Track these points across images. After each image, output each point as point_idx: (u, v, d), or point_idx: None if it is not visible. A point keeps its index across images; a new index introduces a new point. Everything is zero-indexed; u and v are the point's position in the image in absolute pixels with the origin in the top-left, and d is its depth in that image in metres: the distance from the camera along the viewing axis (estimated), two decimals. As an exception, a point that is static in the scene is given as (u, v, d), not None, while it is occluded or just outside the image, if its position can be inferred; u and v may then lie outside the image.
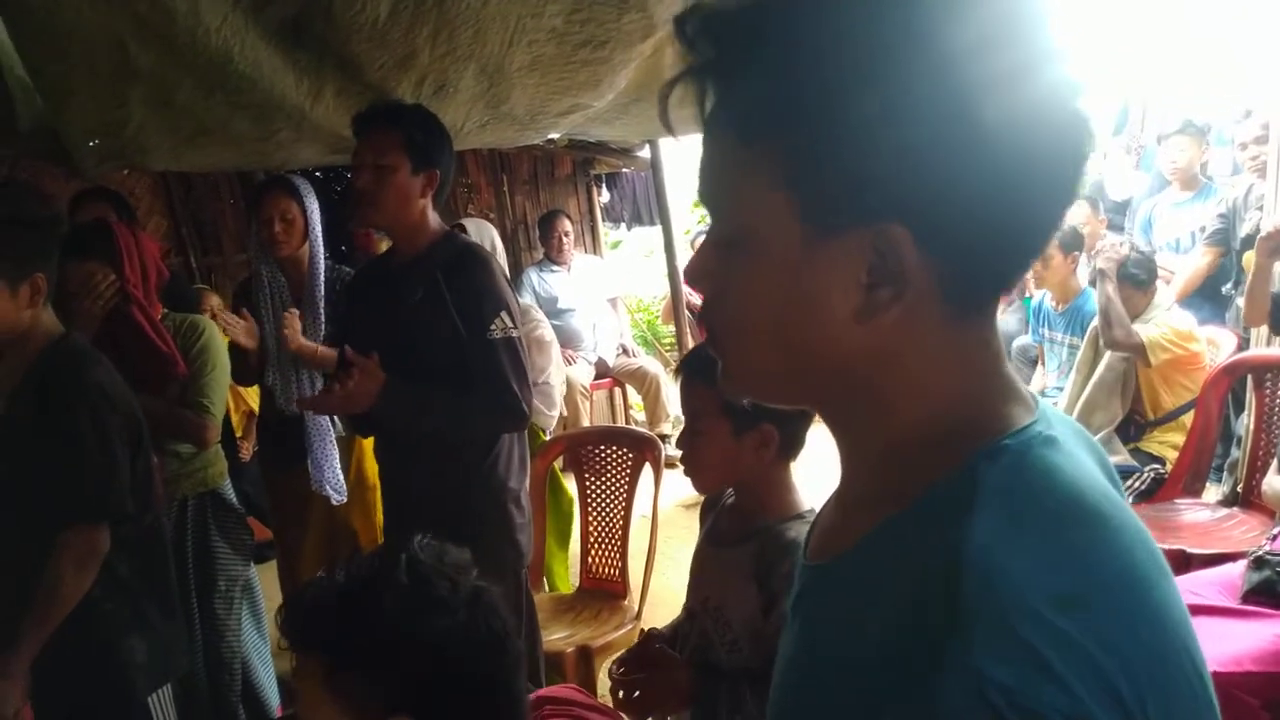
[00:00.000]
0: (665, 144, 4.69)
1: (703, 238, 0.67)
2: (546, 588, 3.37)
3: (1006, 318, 5.51)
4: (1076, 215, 4.67)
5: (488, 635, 1.02)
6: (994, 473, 0.56)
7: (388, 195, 2.11)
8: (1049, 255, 3.88)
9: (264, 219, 2.77)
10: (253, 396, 3.86)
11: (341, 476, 2.87)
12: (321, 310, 2.86)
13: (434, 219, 2.21)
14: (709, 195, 0.63)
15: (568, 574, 3.50)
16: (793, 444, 1.47)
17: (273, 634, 2.98)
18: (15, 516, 1.75)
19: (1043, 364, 4.19)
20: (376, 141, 2.11)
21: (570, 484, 3.37)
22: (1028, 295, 4.58)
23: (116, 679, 1.84)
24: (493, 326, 2.11)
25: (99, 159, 2.45)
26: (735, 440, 1.44)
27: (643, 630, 1.63)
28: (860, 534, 0.62)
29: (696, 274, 0.65)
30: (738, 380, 0.66)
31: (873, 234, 0.55)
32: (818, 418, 0.70)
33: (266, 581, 3.01)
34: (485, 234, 3.62)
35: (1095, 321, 3.57)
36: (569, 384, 5.18)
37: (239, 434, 4.05)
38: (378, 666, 0.97)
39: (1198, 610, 2.11)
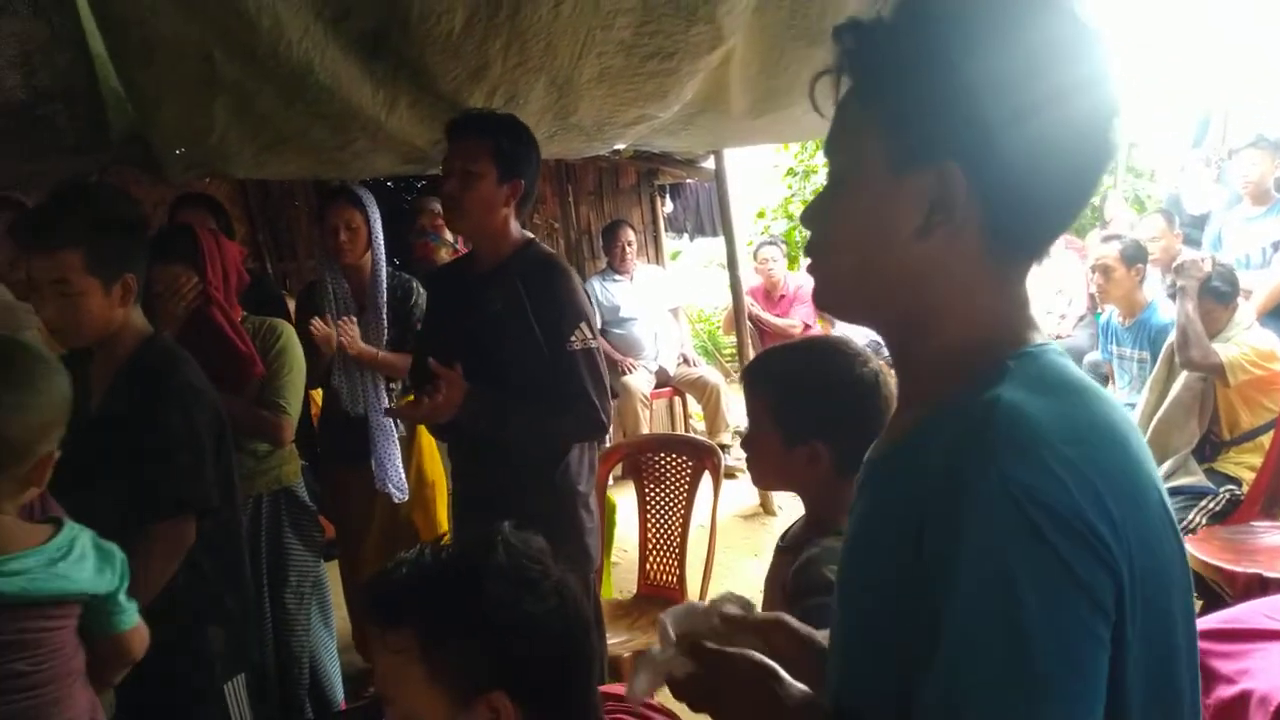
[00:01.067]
0: (729, 155, 4.70)
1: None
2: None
3: (1077, 334, 5.39)
4: (1149, 229, 4.56)
5: (575, 621, 1.03)
6: (1019, 363, 0.76)
7: (473, 202, 2.14)
8: (1111, 268, 3.79)
9: (329, 227, 2.87)
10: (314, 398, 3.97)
11: (403, 475, 2.94)
12: (384, 316, 2.94)
13: (516, 229, 2.24)
14: (832, 151, 0.85)
15: (610, 580, 3.52)
16: (849, 462, 1.45)
17: (339, 630, 3.06)
18: (109, 508, 1.84)
19: (1113, 381, 4.09)
20: (466, 148, 2.15)
21: (629, 491, 3.40)
22: (1099, 311, 4.49)
23: (196, 667, 1.91)
24: (573, 338, 2.13)
25: (184, 166, 2.55)
26: (785, 451, 1.45)
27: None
28: (910, 428, 0.81)
29: (809, 215, 0.86)
30: (825, 292, 0.87)
31: (936, 170, 0.75)
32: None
33: (330, 579, 3.09)
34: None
35: (1171, 338, 3.47)
36: (629, 392, 5.21)
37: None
38: (476, 642, 0.98)
39: (1274, 636, 2.04)
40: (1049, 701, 0.64)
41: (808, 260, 0.88)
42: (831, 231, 0.84)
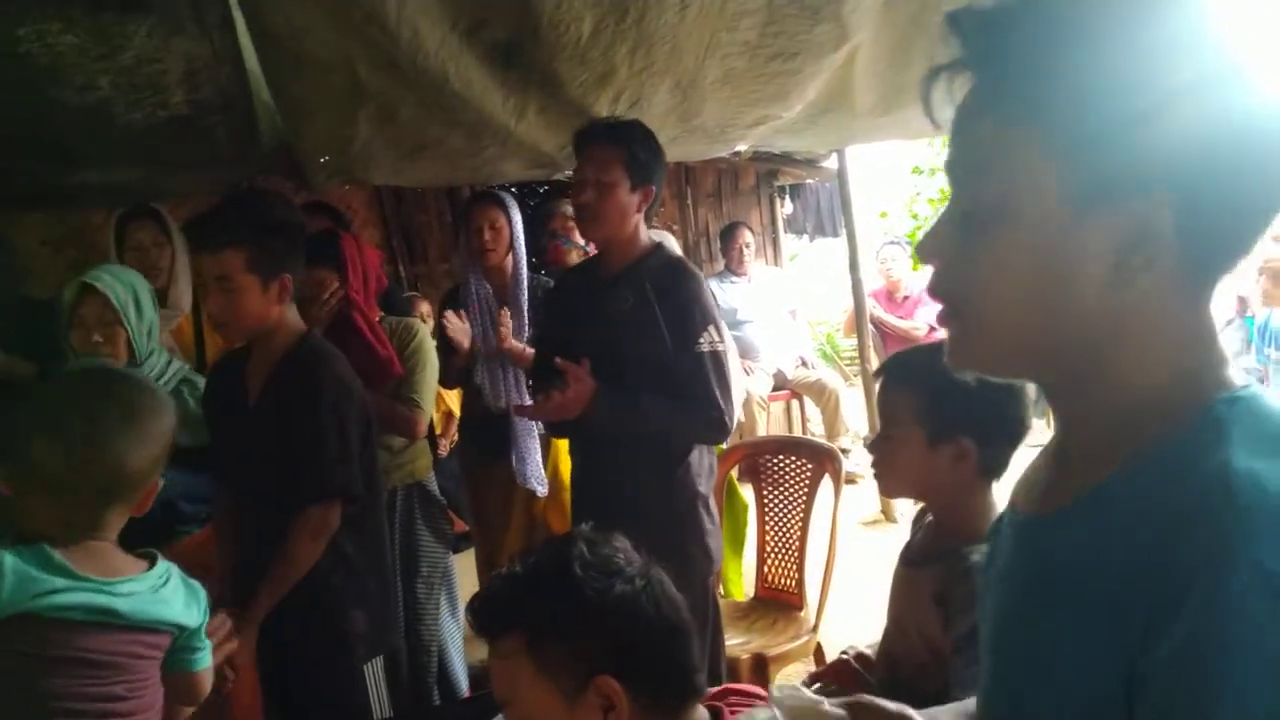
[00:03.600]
0: (852, 155, 4.63)
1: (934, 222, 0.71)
2: (721, 593, 3.39)
3: (1228, 335, 5.08)
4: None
5: (666, 600, 1.08)
6: (1235, 414, 0.61)
7: (608, 211, 2.17)
8: (1280, 271, 3.57)
9: (474, 229, 2.97)
10: (451, 399, 4.10)
11: (544, 471, 3.01)
12: (525, 314, 3.02)
13: (644, 232, 2.28)
14: (962, 171, 0.69)
15: (741, 581, 3.51)
16: (995, 464, 1.40)
17: (465, 623, 3.16)
18: (264, 494, 1.96)
19: (1267, 385, 3.84)
20: (598, 158, 2.17)
21: (746, 492, 3.39)
22: (1249, 314, 4.22)
23: (340, 646, 2.01)
24: (700, 340, 2.15)
25: (328, 174, 2.70)
26: (929, 451, 1.40)
27: (844, 650, 1.62)
28: (1088, 485, 0.66)
29: (931, 249, 0.70)
30: (974, 349, 0.71)
31: (1137, 204, 0.61)
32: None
33: (461, 571, 3.19)
34: (666, 243, 3.69)
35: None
36: (746, 395, 5.19)
37: (438, 432, 4.31)
38: (576, 632, 1.04)
39: None
40: None
41: (938, 309, 0.72)
42: (985, 281, 0.67)
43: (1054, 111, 0.62)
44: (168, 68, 2.12)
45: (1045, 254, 0.64)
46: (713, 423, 2.17)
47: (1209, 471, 0.58)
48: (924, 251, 0.71)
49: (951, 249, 0.69)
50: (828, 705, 0.91)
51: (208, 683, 1.45)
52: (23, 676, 1.16)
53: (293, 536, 1.90)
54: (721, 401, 2.15)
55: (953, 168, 0.69)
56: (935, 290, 0.71)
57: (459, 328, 2.89)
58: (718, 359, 2.17)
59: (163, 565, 1.35)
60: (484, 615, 1.11)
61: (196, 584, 1.40)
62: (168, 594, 1.31)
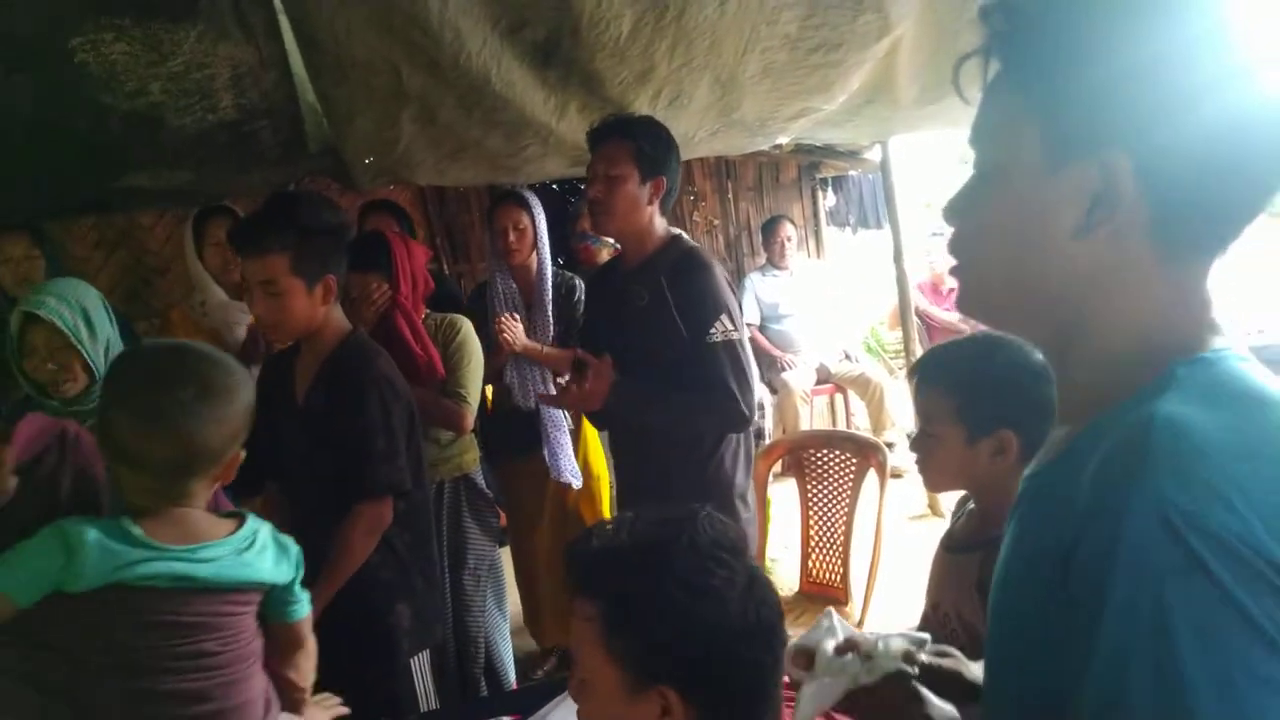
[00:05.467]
0: (895, 145, 4.58)
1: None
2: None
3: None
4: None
5: (759, 622, 1.00)
6: (1187, 371, 0.67)
7: (618, 203, 2.21)
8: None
9: (498, 229, 3.01)
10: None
11: (575, 463, 3.04)
12: (550, 313, 3.05)
13: (660, 225, 2.30)
14: (977, 140, 0.78)
15: (778, 575, 3.51)
16: (1036, 449, 1.41)
17: (511, 613, 3.20)
18: (315, 490, 2.00)
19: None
20: (608, 153, 2.22)
21: (789, 487, 3.38)
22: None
23: (386, 640, 2.04)
24: (713, 329, 2.16)
25: (373, 175, 2.73)
26: (969, 446, 1.41)
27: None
28: (1062, 445, 0.75)
29: (952, 209, 0.79)
30: (973, 298, 0.80)
31: (1099, 161, 0.68)
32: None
33: (505, 563, 3.23)
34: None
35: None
36: (788, 389, 5.17)
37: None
38: (654, 632, 0.98)
39: None
40: None
41: (952, 260, 0.80)
42: (979, 229, 0.77)
43: (1037, 77, 0.71)
44: (216, 73, 2.16)
45: (1025, 207, 0.72)
46: (730, 412, 2.18)
47: (1138, 418, 0.64)
48: (948, 212, 0.80)
49: (963, 211, 0.78)
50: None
51: (306, 631, 1.51)
52: (119, 639, 1.22)
53: (348, 533, 1.94)
54: (738, 391, 2.16)
55: (971, 139, 0.78)
56: (950, 247, 0.80)
57: (512, 328, 2.92)
58: (732, 348, 2.18)
59: (250, 526, 1.38)
60: (575, 565, 1.05)
61: (288, 540, 1.44)
62: (253, 556, 1.35)
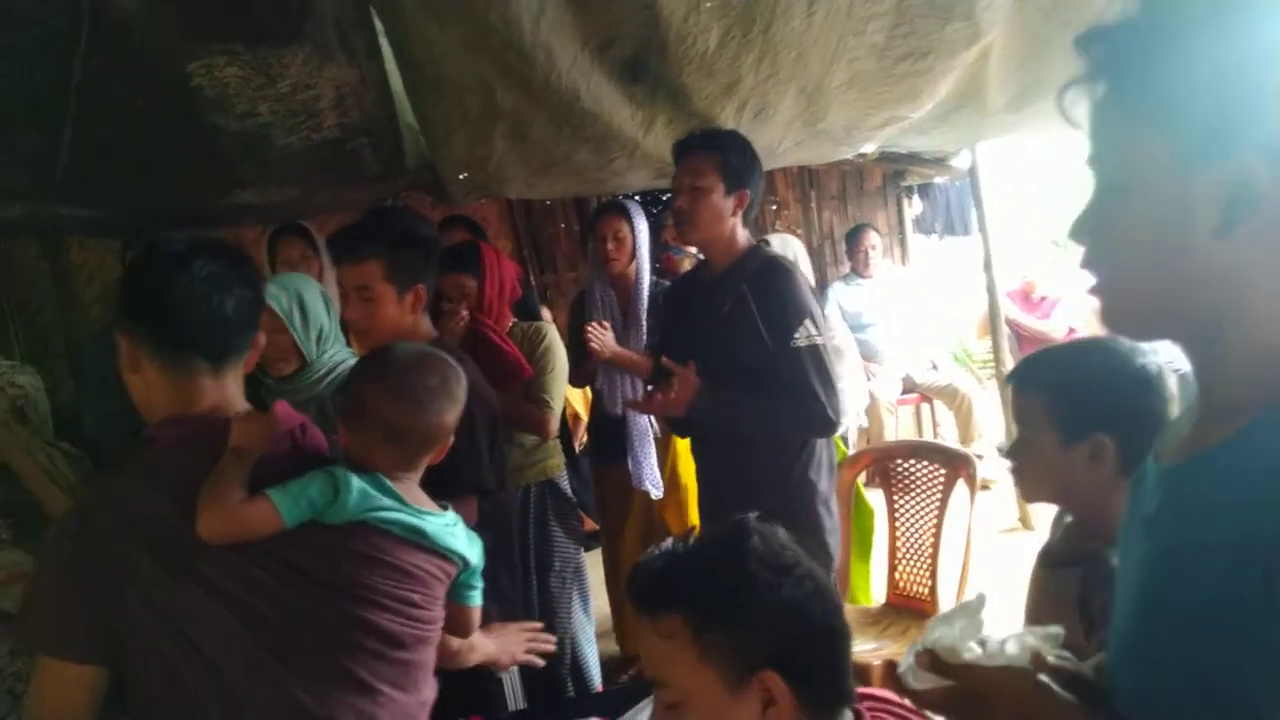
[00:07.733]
0: (983, 151, 4.50)
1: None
2: (847, 599, 3.36)
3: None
4: None
5: (831, 603, 1.07)
6: None
7: (703, 214, 2.25)
8: None
9: (599, 238, 3.07)
10: (576, 400, 4.20)
11: (658, 473, 3.07)
12: (644, 321, 3.09)
13: (743, 235, 2.33)
14: (1098, 160, 0.81)
15: (869, 587, 3.47)
16: (1136, 458, 1.38)
17: (598, 617, 3.24)
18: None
19: None
20: (694, 165, 2.26)
21: (875, 498, 3.35)
22: None
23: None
24: (797, 335, 2.18)
25: (466, 189, 2.83)
26: (1063, 452, 1.37)
27: None
28: (1230, 431, 0.75)
29: (1083, 228, 0.82)
30: (1120, 310, 0.82)
31: (1232, 165, 0.70)
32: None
33: (589, 568, 3.28)
34: (790, 247, 3.70)
35: None
36: (873, 399, 5.11)
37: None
38: (746, 624, 1.02)
39: None
40: None
41: (1089, 280, 0.83)
42: (1117, 242, 0.79)
43: (1154, 93, 0.74)
44: (320, 94, 2.28)
45: (1163, 215, 0.75)
46: (815, 417, 2.19)
47: None
48: (1077, 233, 0.82)
49: (1095, 229, 0.80)
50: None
51: (476, 620, 1.65)
52: (350, 568, 1.38)
53: None
54: (823, 395, 2.17)
55: (1092, 161, 0.81)
56: (1084, 264, 0.82)
57: (600, 335, 2.97)
58: (816, 353, 2.19)
59: (451, 513, 1.55)
60: (644, 590, 1.09)
61: (475, 534, 1.59)
62: (458, 532, 1.52)
